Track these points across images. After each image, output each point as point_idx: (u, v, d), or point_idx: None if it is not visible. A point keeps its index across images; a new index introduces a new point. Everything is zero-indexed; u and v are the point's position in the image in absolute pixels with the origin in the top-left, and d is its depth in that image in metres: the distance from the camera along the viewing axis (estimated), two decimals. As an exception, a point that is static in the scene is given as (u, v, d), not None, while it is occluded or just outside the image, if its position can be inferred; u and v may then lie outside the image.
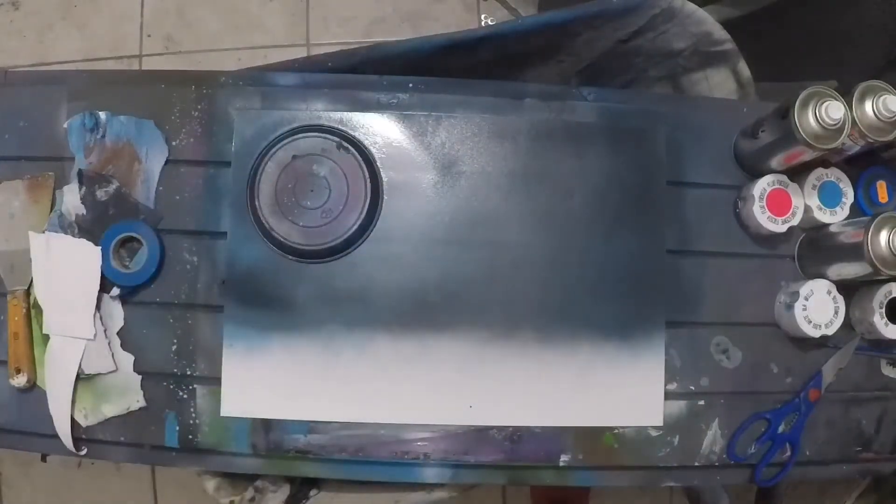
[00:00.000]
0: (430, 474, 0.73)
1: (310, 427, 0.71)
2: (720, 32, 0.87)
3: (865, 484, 0.98)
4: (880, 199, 0.76)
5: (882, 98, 0.65)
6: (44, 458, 0.78)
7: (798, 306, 0.71)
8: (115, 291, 0.71)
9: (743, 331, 0.75)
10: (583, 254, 0.73)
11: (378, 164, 0.73)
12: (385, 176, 0.73)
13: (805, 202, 0.73)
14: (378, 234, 0.73)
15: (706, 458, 0.73)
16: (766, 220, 0.72)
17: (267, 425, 0.71)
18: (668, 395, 0.73)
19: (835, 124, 0.64)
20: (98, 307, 0.71)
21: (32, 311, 0.72)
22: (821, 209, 0.73)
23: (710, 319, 0.75)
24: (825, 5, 0.99)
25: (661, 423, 0.73)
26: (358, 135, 0.73)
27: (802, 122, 0.65)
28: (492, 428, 0.72)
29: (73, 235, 0.72)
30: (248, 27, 1.53)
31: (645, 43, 0.88)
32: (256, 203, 0.72)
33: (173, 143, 0.74)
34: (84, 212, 0.73)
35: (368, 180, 0.72)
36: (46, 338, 0.71)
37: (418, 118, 0.74)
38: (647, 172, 0.75)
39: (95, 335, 0.70)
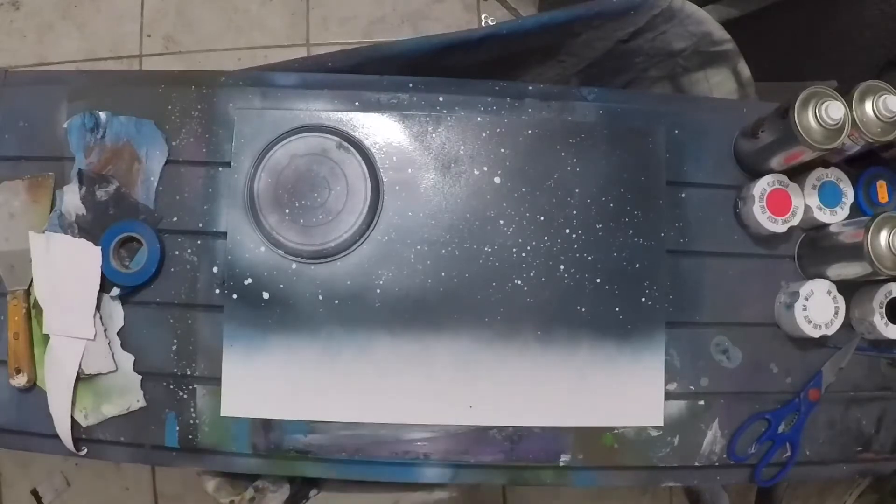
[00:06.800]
0: (430, 474, 0.73)
1: (310, 427, 0.71)
2: (720, 32, 0.87)
3: (865, 484, 0.99)
4: (880, 199, 0.76)
5: (882, 98, 0.65)
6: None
7: (798, 306, 0.71)
8: (115, 291, 0.72)
9: (743, 331, 0.75)
10: (583, 254, 0.74)
11: (378, 164, 0.73)
12: (385, 176, 0.73)
13: (805, 202, 0.73)
14: (378, 234, 0.73)
15: (706, 458, 0.73)
16: (766, 220, 0.72)
17: (267, 425, 0.71)
18: (668, 395, 0.73)
19: (835, 124, 0.64)
20: (98, 307, 0.71)
21: (32, 311, 0.72)
22: (821, 209, 0.73)
23: (710, 319, 0.75)
24: (825, 5, 0.99)
25: (661, 424, 0.73)
26: (358, 135, 0.74)
27: (802, 122, 0.65)
28: (492, 428, 0.72)
29: (73, 235, 0.72)
30: (248, 27, 1.53)
31: (645, 43, 0.88)
32: (256, 203, 0.72)
33: (173, 143, 0.74)
34: (84, 212, 0.73)
35: (368, 180, 0.72)
36: (46, 338, 0.71)
37: (418, 118, 0.74)
38: (647, 172, 0.75)
39: (95, 335, 0.70)
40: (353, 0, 1.54)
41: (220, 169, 0.73)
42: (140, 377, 0.71)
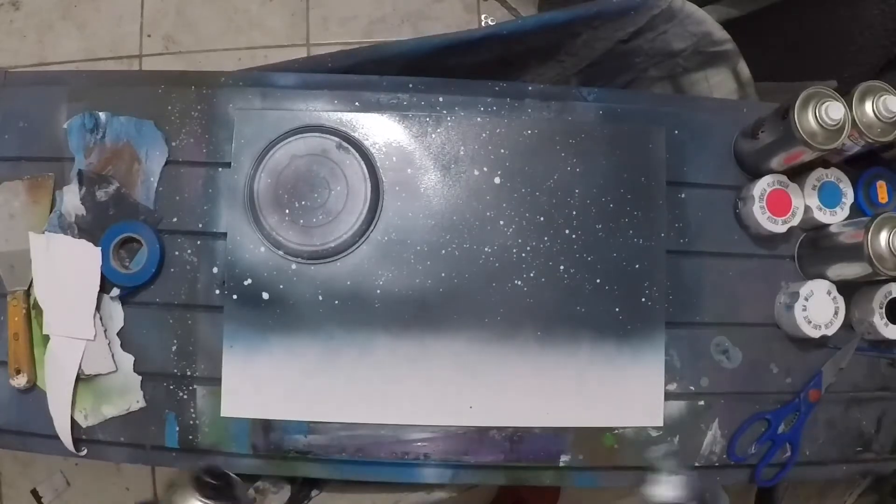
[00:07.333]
0: (430, 474, 0.73)
1: (310, 427, 0.71)
2: (720, 32, 0.87)
3: (865, 484, 0.98)
4: (880, 200, 0.76)
5: (882, 98, 0.65)
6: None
7: (798, 306, 0.71)
8: (115, 292, 0.72)
9: (743, 331, 0.75)
10: (583, 254, 0.73)
11: (378, 164, 0.73)
12: (385, 176, 0.73)
13: (805, 202, 0.73)
14: (378, 234, 0.73)
15: (706, 458, 0.73)
16: (766, 221, 0.72)
17: (267, 426, 0.71)
18: (668, 396, 0.73)
19: (835, 124, 0.64)
20: (98, 308, 0.71)
21: (32, 311, 0.72)
22: (821, 209, 0.73)
23: (710, 319, 0.75)
24: (825, 5, 0.99)
25: (661, 424, 0.73)
26: (358, 135, 0.73)
27: (802, 122, 0.65)
28: (492, 428, 0.72)
29: (73, 236, 0.72)
30: (248, 27, 1.53)
31: (645, 43, 0.88)
32: (256, 203, 0.72)
33: (173, 144, 0.74)
34: (84, 212, 0.73)
35: (368, 180, 0.72)
36: (46, 338, 0.71)
37: (418, 118, 0.74)
38: (647, 172, 0.75)
39: (95, 336, 0.70)
40: (353, 0, 1.54)
41: (220, 169, 0.73)
42: (140, 378, 0.71)
